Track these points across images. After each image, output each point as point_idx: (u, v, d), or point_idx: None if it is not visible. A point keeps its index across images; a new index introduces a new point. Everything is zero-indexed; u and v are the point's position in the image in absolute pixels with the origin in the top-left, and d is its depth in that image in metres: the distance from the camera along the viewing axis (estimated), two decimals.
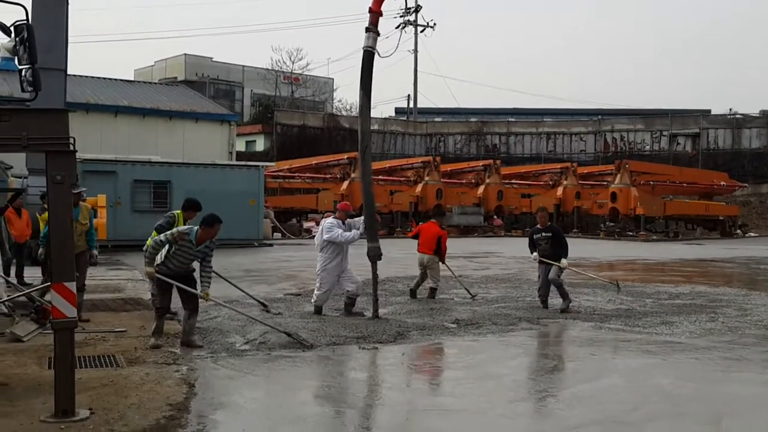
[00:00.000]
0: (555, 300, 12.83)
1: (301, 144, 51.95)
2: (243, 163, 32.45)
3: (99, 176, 24.74)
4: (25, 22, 6.55)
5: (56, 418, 5.99)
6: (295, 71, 65.33)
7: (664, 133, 58.92)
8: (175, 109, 38.53)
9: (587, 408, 6.99)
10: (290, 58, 66.10)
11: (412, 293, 13.82)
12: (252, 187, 27.88)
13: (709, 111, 64.34)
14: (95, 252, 11.21)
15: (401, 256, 21.54)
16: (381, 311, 11.57)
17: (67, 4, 18.34)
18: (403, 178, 42.66)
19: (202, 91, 52.14)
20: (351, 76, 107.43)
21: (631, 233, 40.69)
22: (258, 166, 29.67)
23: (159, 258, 9.11)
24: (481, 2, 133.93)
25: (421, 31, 61.28)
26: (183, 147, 36.09)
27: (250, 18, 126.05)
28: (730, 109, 62.03)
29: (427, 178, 41.93)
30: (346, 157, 41.45)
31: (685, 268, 22.55)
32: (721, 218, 45.62)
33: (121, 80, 43.64)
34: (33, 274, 14.62)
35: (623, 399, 7.21)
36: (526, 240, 13.50)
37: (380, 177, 40.45)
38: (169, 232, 9.17)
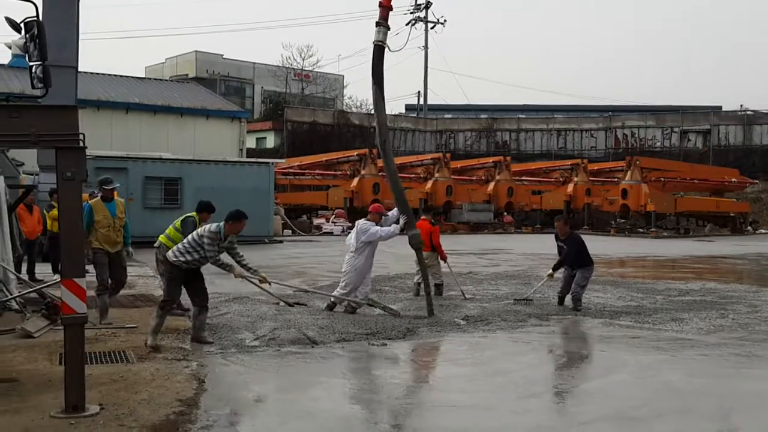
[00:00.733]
0: (567, 298, 12.82)
1: (311, 141, 52.03)
2: (253, 160, 32.54)
3: (109, 173, 24.61)
4: (35, 19, 6.58)
5: (66, 413, 6.02)
6: (306, 68, 65.43)
7: (675, 129, 58.74)
8: (186, 106, 38.64)
9: (597, 404, 6.99)
10: (300, 55, 66.28)
11: (416, 292, 13.78)
12: (262, 184, 27.96)
13: (720, 107, 64.12)
14: (130, 249, 11.10)
15: (412, 252, 21.45)
16: (391, 307, 11.54)
17: (78, 1, 18.39)
18: (413, 175, 42.60)
19: (212, 88, 52.33)
20: (361, 73, 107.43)
21: (641, 230, 40.53)
22: (268, 163, 29.74)
23: (176, 251, 8.98)
24: None
25: (432, 28, 61.29)
26: (194, 144, 36.23)
27: (260, 15, 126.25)
28: (741, 106, 61.85)
29: (437, 175, 41.89)
30: (356, 153, 41.46)
31: (696, 264, 22.47)
32: (731, 215, 45.38)
33: (133, 77, 43.87)
34: (44, 271, 14.70)
35: (633, 395, 7.19)
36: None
37: None
38: (208, 245, 8.82)
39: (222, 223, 9.02)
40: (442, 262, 13.93)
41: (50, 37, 9.90)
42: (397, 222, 11.80)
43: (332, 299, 11.62)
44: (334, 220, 36.85)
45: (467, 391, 7.45)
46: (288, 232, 34.34)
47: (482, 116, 64.13)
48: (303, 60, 65.57)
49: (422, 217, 14.31)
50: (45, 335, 9.30)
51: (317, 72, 66.65)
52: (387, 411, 6.78)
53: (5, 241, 11.59)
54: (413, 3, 59.15)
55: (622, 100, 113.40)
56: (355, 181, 39.22)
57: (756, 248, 30.18)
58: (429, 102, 65.61)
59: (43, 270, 14.97)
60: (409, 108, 70.99)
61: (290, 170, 40.77)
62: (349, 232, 12.23)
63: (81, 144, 6.12)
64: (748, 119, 57.99)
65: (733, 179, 46.93)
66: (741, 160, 54.32)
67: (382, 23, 11.53)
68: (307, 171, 41.63)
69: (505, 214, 44.10)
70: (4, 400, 6.48)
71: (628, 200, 40.78)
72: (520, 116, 64.18)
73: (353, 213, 37.74)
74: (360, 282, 11.56)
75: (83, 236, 6.62)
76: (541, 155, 58.74)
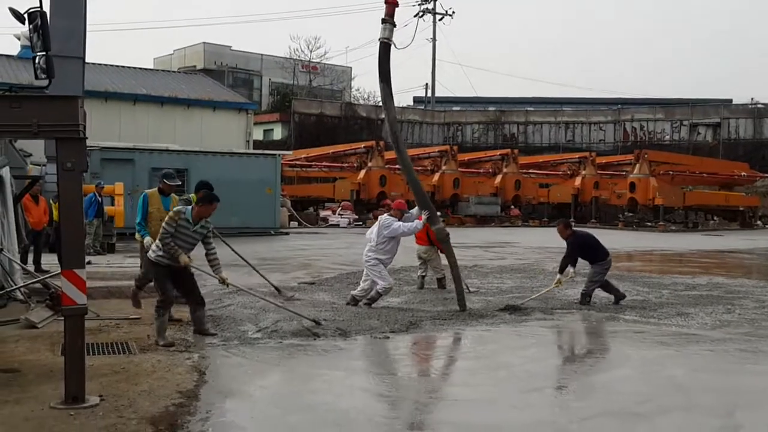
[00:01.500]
0: (572, 291, 12.78)
1: (318, 133, 51.96)
2: (260, 151, 32.49)
3: (117, 164, 24.87)
4: (39, 9, 6.56)
5: (66, 404, 6.01)
6: (313, 60, 65.29)
7: (685, 122, 58.44)
8: (194, 98, 38.64)
9: (600, 399, 6.95)
10: (308, 47, 66.14)
11: (420, 285, 13.77)
12: (269, 176, 27.89)
13: (731, 100, 63.70)
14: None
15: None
16: (394, 300, 11.53)
17: None
18: (420, 168, 42.43)
19: (220, 79, 52.25)
20: (369, 65, 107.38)
21: (649, 223, 40.40)
22: (275, 154, 29.71)
23: (155, 247, 8.73)
24: None
25: (440, 20, 61.21)
26: (201, 135, 36.19)
27: (268, 6, 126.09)
28: (752, 99, 61.45)
29: (444, 168, 41.84)
30: (363, 146, 41.44)
31: (703, 259, 22.35)
32: (741, 209, 45.19)
33: (140, 69, 43.84)
34: (49, 261, 14.72)
35: (636, 390, 7.13)
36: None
37: (396, 166, 40.37)
38: (165, 222, 8.64)
39: (190, 207, 8.80)
40: (441, 256, 13.89)
41: (56, 27, 9.88)
42: (420, 219, 11.69)
43: (355, 295, 11.51)
44: (341, 213, 36.80)
45: (469, 384, 7.42)
46: (294, 223, 34.35)
47: (490, 109, 63.91)
48: (311, 52, 65.50)
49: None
50: (48, 326, 9.32)
51: (325, 64, 66.52)
52: (387, 404, 6.75)
53: (11, 231, 11.61)
54: None
55: (632, 92, 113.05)
56: (362, 173, 39.19)
57: (765, 243, 30.02)
58: (437, 94, 65.56)
59: (49, 261, 14.98)
60: (416, 100, 70.84)
61: (297, 162, 40.76)
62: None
63: (81, 135, 6.10)
64: (758, 113, 57.64)
65: (742, 173, 46.64)
66: (751, 153, 53.97)
67: (389, 20, 11.45)
68: (314, 163, 41.62)
69: (513, 207, 44.02)
70: (5, 390, 6.49)
71: (636, 194, 40.59)
72: (528, 109, 63.92)
73: (360, 205, 37.89)
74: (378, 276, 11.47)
75: (83, 227, 6.59)
76: (549, 148, 58.53)
